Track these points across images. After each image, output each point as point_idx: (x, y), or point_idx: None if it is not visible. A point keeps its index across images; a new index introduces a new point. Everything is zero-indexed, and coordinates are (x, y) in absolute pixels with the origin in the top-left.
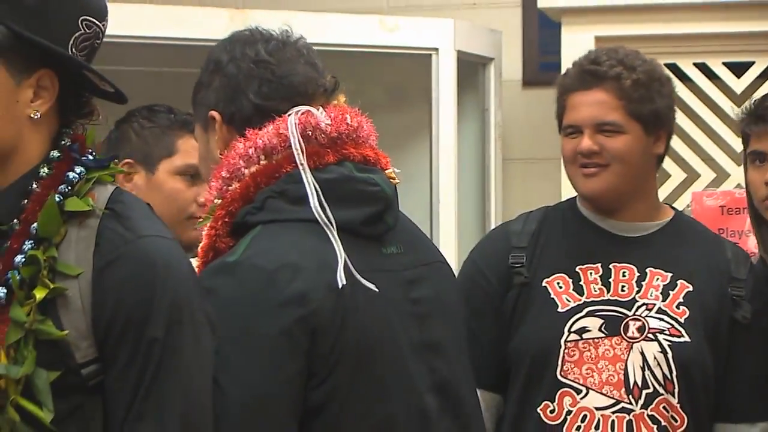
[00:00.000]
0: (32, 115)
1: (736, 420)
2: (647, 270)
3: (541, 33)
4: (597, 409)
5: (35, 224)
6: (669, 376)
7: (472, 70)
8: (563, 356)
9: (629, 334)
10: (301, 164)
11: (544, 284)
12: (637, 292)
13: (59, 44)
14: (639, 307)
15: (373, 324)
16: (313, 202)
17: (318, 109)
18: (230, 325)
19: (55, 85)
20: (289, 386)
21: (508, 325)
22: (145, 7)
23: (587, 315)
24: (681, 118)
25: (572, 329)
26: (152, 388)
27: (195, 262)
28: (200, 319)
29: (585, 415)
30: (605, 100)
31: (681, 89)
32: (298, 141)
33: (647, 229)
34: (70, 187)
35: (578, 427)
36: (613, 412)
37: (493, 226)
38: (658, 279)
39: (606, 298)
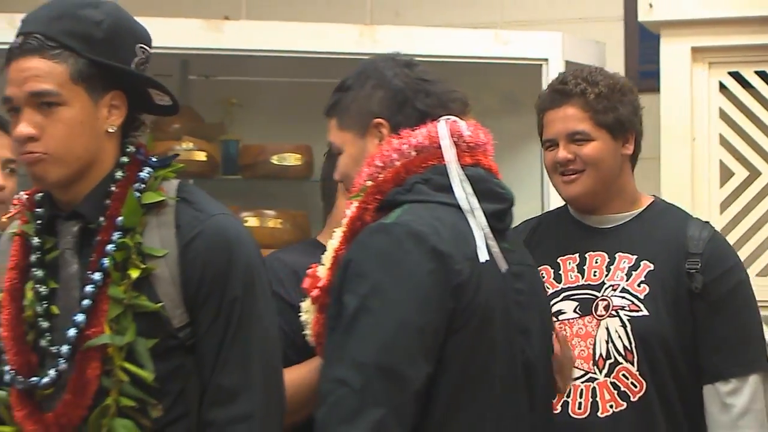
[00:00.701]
0: (109, 129)
1: (710, 380)
2: (616, 255)
3: (642, 44)
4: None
5: (120, 218)
6: (629, 347)
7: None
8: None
9: (598, 312)
10: (449, 160)
11: None
12: (606, 275)
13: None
14: (606, 289)
15: (494, 295)
16: (458, 189)
17: (460, 120)
18: (385, 270)
19: (125, 102)
20: (434, 319)
21: None
22: (285, 24)
23: (563, 299)
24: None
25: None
26: (236, 337)
27: (336, 235)
28: (267, 281)
29: None
30: (573, 113)
31: None
32: (451, 143)
33: (623, 219)
34: (143, 185)
35: None
36: (582, 382)
37: None
38: (624, 262)
39: (580, 283)
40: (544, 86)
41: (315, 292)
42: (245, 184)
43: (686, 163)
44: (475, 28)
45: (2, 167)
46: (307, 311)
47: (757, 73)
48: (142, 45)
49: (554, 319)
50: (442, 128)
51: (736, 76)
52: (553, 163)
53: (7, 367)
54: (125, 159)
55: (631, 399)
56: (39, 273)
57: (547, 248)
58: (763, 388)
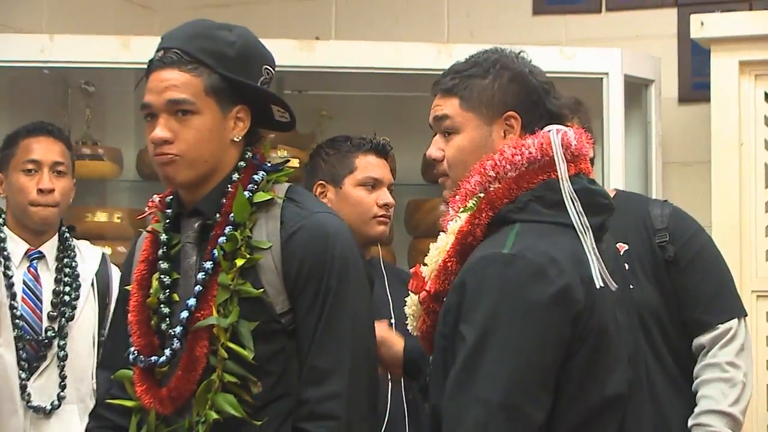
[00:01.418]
0: (234, 139)
1: (698, 332)
2: None
3: (694, 58)
4: None
5: (232, 214)
6: None
7: (636, 90)
8: None
9: None
10: (562, 178)
11: None
12: None
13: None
14: None
15: (606, 314)
16: (574, 211)
17: (570, 130)
18: (505, 304)
19: (249, 116)
20: (555, 354)
21: None
22: (370, 44)
23: None
24: None
25: None
26: (330, 323)
27: (443, 240)
28: (361, 273)
29: None
30: None
31: None
32: (563, 158)
33: None
34: (255, 186)
35: None
36: None
37: None
38: None
39: None
40: (605, 99)
41: (422, 295)
42: None
43: (734, 167)
44: (543, 45)
45: (51, 170)
46: (411, 306)
47: None
48: (267, 66)
49: None
50: (555, 141)
51: None
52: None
53: (132, 348)
54: (242, 164)
55: None
56: (164, 265)
57: None
58: (745, 331)
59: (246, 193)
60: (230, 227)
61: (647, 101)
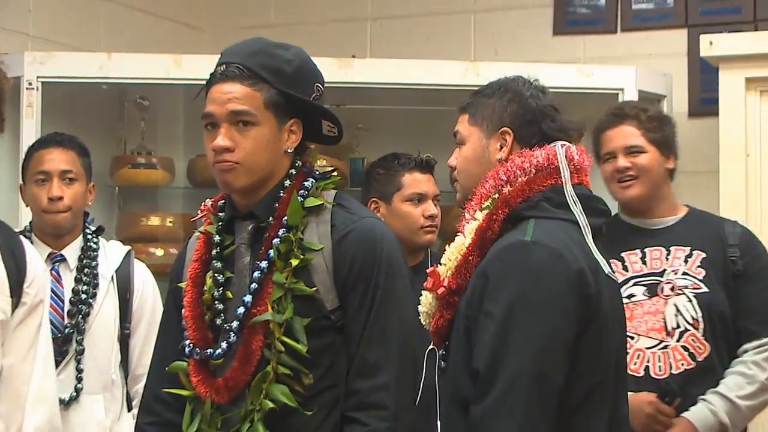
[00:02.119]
0: (288, 150)
1: (746, 340)
2: (671, 248)
3: (703, 75)
4: (646, 348)
5: (285, 217)
6: (696, 317)
7: (649, 104)
8: None
9: (664, 293)
10: (566, 182)
11: None
12: (666, 263)
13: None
14: (668, 274)
15: (608, 303)
16: (576, 210)
17: (573, 146)
18: (529, 283)
19: (301, 129)
20: (573, 327)
21: None
22: (403, 61)
23: (633, 285)
24: None
25: (623, 296)
26: (378, 319)
27: (459, 240)
28: (405, 272)
29: (639, 354)
30: (630, 130)
31: None
32: (566, 167)
33: (670, 221)
34: (306, 191)
35: (635, 363)
36: (659, 349)
37: None
38: (680, 252)
39: (645, 271)
40: None
41: (441, 291)
42: None
43: (741, 176)
44: (563, 63)
45: (60, 179)
46: (426, 304)
47: None
48: (319, 84)
49: (627, 300)
50: (560, 153)
51: None
52: (612, 172)
53: (187, 341)
54: (293, 171)
55: (698, 359)
56: (218, 264)
57: (611, 247)
58: None
59: (298, 196)
60: (283, 230)
61: None
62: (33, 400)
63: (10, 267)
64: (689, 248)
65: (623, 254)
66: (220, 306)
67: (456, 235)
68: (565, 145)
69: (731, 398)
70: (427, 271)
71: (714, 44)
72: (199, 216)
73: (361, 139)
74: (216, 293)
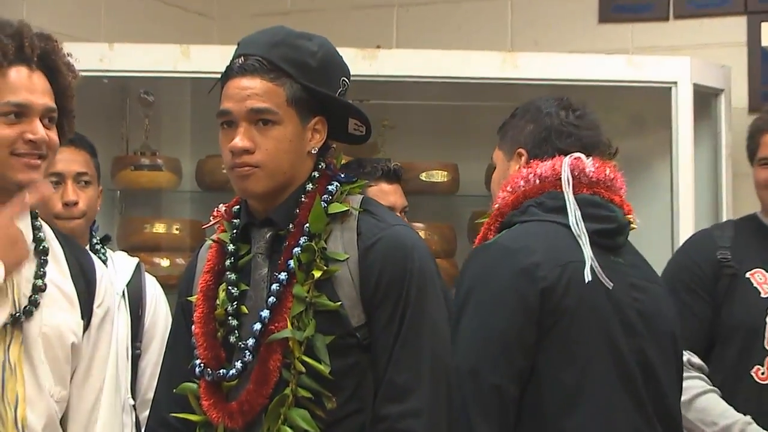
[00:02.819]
0: (312, 151)
1: None
2: None
3: (764, 66)
4: None
5: (307, 225)
6: None
7: (705, 100)
8: (767, 330)
9: None
10: (566, 189)
11: (747, 276)
12: None
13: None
14: None
15: (590, 298)
16: (572, 214)
17: (588, 158)
18: (478, 282)
19: (325, 127)
20: (516, 321)
21: (718, 307)
22: (432, 52)
23: None
24: None
25: None
26: (408, 338)
27: None
28: (438, 287)
29: None
30: None
31: None
32: (568, 175)
33: None
34: (330, 196)
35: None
36: None
37: None
38: None
39: None
40: (674, 108)
41: None
42: None
43: None
44: (608, 53)
45: (74, 181)
46: None
47: None
48: (345, 78)
49: None
50: (565, 161)
51: None
52: (766, 180)
53: (197, 361)
54: (316, 174)
55: None
56: (232, 276)
57: (755, 253)
58: None
59: (322, 202)
60: (305, 238)
61: (717, 111)
62: None
63: (80, 286)
64: None
65: None
66: (234, 322)
67: None
68: (574, 156)
69: None
70: None
71: None
72: (211, 223)
73: (387, 137)
74: (230, 308)
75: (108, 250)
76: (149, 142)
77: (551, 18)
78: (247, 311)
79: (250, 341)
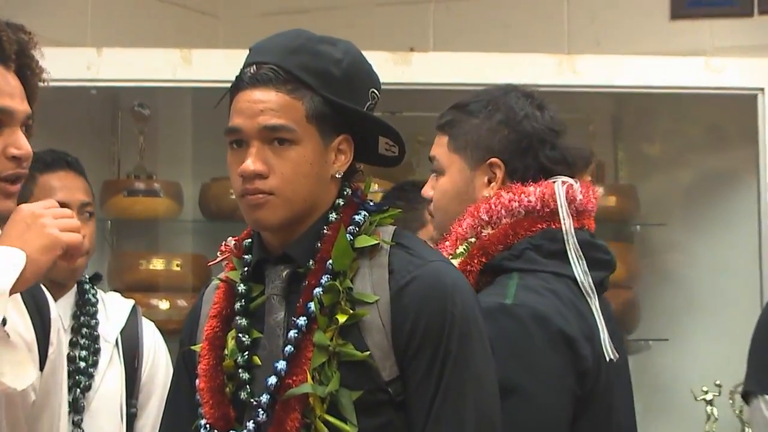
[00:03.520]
0: (336, 175)
1: None
2: None
3: None
4: None
5: (330, 261)
6: None
7: None
8: None
9: None
10: (567, 231)
11: None
12: None
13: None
14: None
15: (609, 375)
16: (579, 270)
17: (575, 183)
18: (515, 359)
19: (351, 148)
20: (569, 407)
21: None
22: (475, 55)
23: None
24: None
25: None
26: (449, 395)
27: None
28: (483, 332)
29: None
30: None
31: None
32: (567, 212)
33: None
34: (357, 228)
35: None
36: None
37: None
38: None
39: None
40: (760, 119)
41: None
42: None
43: None
44: (683, 55)
45: (79, 212)
46: None
47: None
48: (374, 89)
49: None
50: (560, 194)
51: None
52: None
53: (203, 421)
54: (341, 201)
55: None
56: (243, 321)
57: None
58: None
59: (347, 235)
60: (328, 276)
61: None
62: None
63: (38, 329)
64: None
65: None
66: (246, 375)
67: None
68: (566, 182)
69: None
70: None
71: None
72: (218, 259)
73: (422, 154)
74: (240, 359)
75: (99, 290)
76: (144, 163)
77: (615, 14)
78: (260, 362)
79: (264, 397)
